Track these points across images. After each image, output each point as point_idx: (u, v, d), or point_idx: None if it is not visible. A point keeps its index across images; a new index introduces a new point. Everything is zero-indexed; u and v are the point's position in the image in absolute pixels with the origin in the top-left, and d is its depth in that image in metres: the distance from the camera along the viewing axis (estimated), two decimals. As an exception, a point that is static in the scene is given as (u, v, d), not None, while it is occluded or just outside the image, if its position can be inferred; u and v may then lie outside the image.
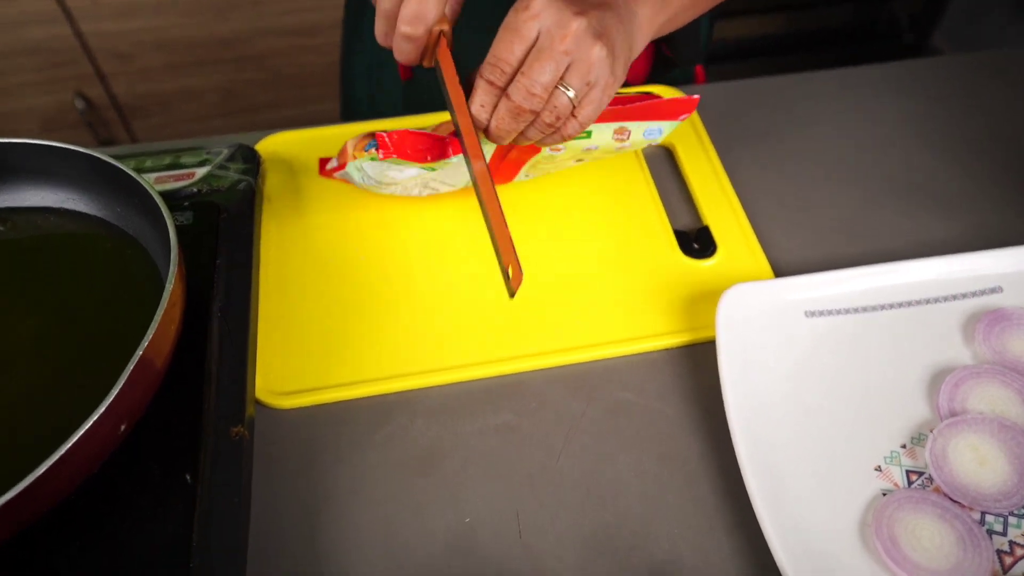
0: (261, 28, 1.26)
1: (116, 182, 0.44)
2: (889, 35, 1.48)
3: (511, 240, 0.38)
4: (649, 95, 0.48)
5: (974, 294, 0.47)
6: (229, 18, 1.24)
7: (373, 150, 0.48)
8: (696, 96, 0.47)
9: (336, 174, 0.53)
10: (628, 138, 0.47)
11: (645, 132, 0.47)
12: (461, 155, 0.46)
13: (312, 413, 0.44)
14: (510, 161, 0.49)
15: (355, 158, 0.49)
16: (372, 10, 0.66)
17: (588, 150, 0.48)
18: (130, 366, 0.36)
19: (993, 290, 0.47)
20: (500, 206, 0.39)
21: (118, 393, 0.35)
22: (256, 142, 0.59)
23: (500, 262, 0.39)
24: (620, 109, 0.45)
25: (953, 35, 1.74)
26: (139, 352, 0.36)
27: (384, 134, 0.45)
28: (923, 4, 1.43)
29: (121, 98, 1.30)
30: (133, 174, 0.43)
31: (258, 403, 0.44)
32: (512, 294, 0.37)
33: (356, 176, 0.51)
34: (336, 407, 0.44)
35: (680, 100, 0.46)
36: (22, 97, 1.26)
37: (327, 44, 1.31)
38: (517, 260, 0.38)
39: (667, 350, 0.47)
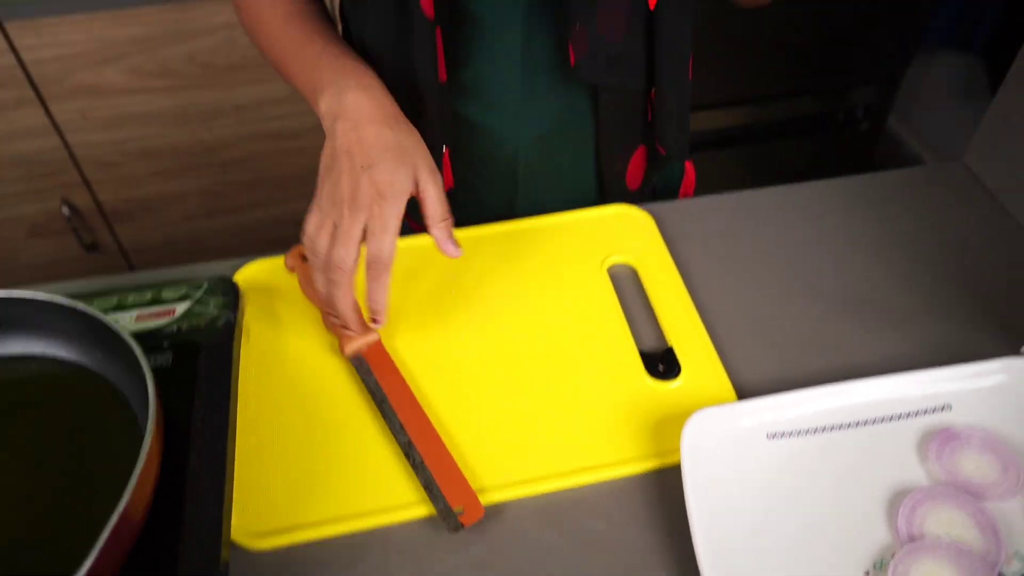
0: (245, 134, 1.31)
1: (95, 330, 0.45)
2: (848, 122, 1.55)
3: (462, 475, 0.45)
4: None
5: (926, 412, 0.49)
6: (214, 126, 1.28)
7: None
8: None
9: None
10: None
11: None
12: None
13: (287, 554, 0.45)
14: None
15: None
16: None
17: None
18: (110, 525, 0.36)
19: (943, 408, 0.49)
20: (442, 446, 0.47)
21: (98, 553, 0.36)
22: (236, 269, 0.61)
23: (443, 503, 0.44)
24: None
25: (905, 119, 1.83)
26: (119, 510, 0.37)
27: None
28: (876, 94, 1.51)
29: (106, 204, 1.33)
30: (112, 324, 0.44)
31: (233, 545, 0.45)
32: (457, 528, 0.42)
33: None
34: (311, 547, 0.45)
35: None
36: (9, 207, 1.28)
37: (310, 147, 1.36)
38: (474, 495, 0.43)
39: (635, 476, 0.48)
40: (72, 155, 1.24)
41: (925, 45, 1.57)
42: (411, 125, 0.53)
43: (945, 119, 1.72)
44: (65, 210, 1.29)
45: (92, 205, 1.32)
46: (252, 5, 0.61)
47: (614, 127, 0.66)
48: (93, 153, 1.25)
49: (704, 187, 0.79)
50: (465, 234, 0.63)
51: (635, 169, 0.71)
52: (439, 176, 0.51)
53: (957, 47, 1.54)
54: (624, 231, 0.64)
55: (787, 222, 0.66)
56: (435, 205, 0.50)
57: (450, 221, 0.52)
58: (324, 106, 0.52)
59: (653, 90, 0.62)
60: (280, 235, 1.45)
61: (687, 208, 0.68)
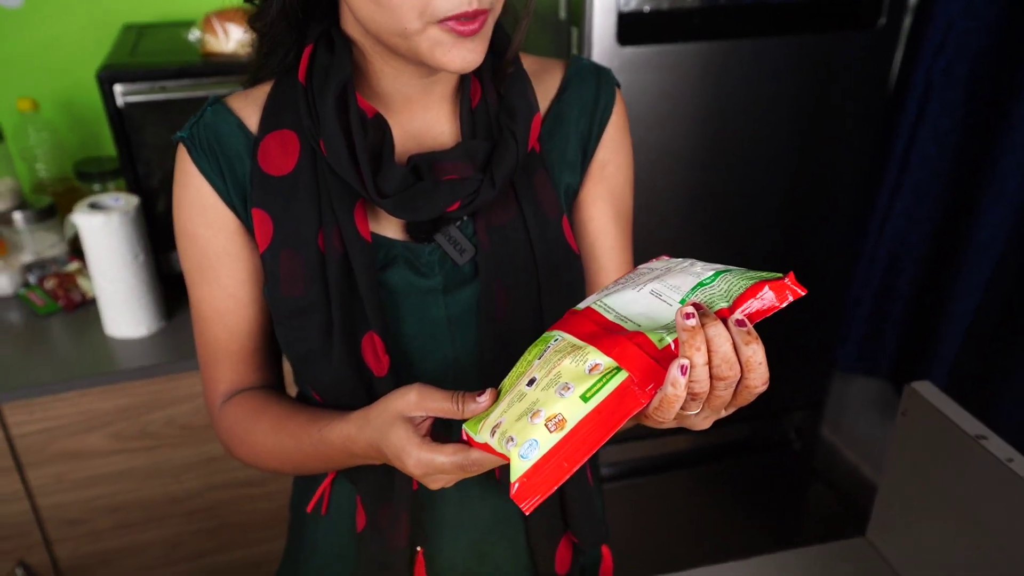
0: (213, 483, 1.36)
1: None
2: (783, 443, 1.67)
3: None
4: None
5: None
6: (183, 479, 1.33)
7: None
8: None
9: None
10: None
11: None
12: None
13: None
14: None
15: None
16: (313, 524, 0.77)
17: None
18: None
19: None
20: None
21: None
22: None
23: None
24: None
25: (836, 432, 1.99)
26: None
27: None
28: (803, 418, 1.66)
29: (63, 561, 1.32)
30: None
31: None
32: None
33: None
34: None
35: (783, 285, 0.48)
36: (-37, 573, 1.27)
37: (276, 491, 1.41)
38: None
39: None
40: (38, 517, 1.26)
41: (841, 371, 1.76)
42: (382, 433, 0.58)
43: (871, 433, 1.88)
44: (20, 572, 1.28)
45: (48, 563, 1.31)
46: (243, 437, 0.71)
47: (541, 523, 0.75)
48: (61, 513, 1.28)
49: (654, 510, 0.85)
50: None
51: (562, 555, 0.78)
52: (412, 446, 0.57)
53: (865, 372, 1.73)
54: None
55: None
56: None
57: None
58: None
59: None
60: (240, 580, 1.44)
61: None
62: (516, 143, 0.64)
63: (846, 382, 1.91)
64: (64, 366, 1.22)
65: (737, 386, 0.48)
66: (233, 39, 1.33)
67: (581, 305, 0.56)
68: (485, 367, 0.69)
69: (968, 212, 1.46)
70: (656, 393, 0.47)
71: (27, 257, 1.42)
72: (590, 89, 0.71)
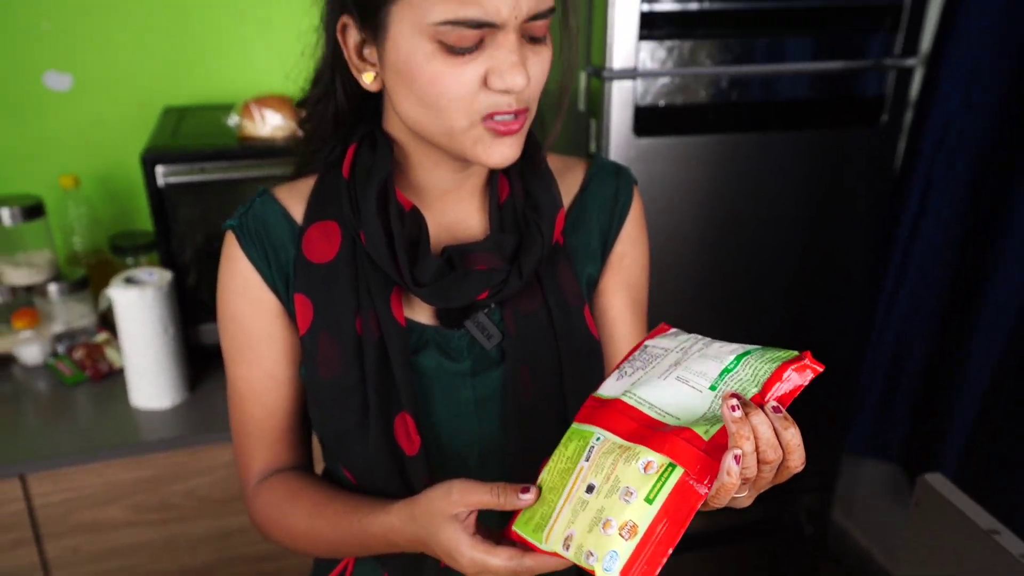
0: (227, 558, 1.36)
1: None
2: (794, 526, 1.67)
3: None
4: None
5: None
6: (199, 552, 1.34)
7: None
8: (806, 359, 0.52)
9: None
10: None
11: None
12: None
13: None
14: None
15: None
16: None
17: None
18: None
19: None
20: None
21: None
22: None
23: None
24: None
25: (848, 517, 1.97)
26: None
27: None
28: (814, 500, 1.66)
29: (75, 635, 1.31)
30: None
31: None
32: None
33: None
34: None
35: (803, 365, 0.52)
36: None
37: (287, 567, 1.40)
38: None
39: None
40: (53, 590, 1.27)
41: (849, 454, 1.77)
42: (430, 532, 0.61)
43: (883, 517, 1.87)
44: (31, 644, 1.27)
45: (59, 637, 1.30)
46: (279, 519, 0.73)
47: None
48: (75, 585, 1.28)
49: None
50: None
51: None
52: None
53: (876, 456, 1.74)
54: None
55: None
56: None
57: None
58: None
59: None
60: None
61: None
62: (542, 237, 0.69)
63: (857, 466, 1.91)
64: (89, 436, 1.25)
65: (779, 468, 0.52)
66: (269, 124, 1.40)
67: (606, 392, 0.59)
68: (509, 445, 0.72)
69: (972, 300, 1.50)
70: (713, 484, 0.50)
71: (58, 327, 1.46)
72: (610, 186, 0.77)
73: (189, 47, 1.59)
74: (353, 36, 0.64)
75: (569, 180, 0.77)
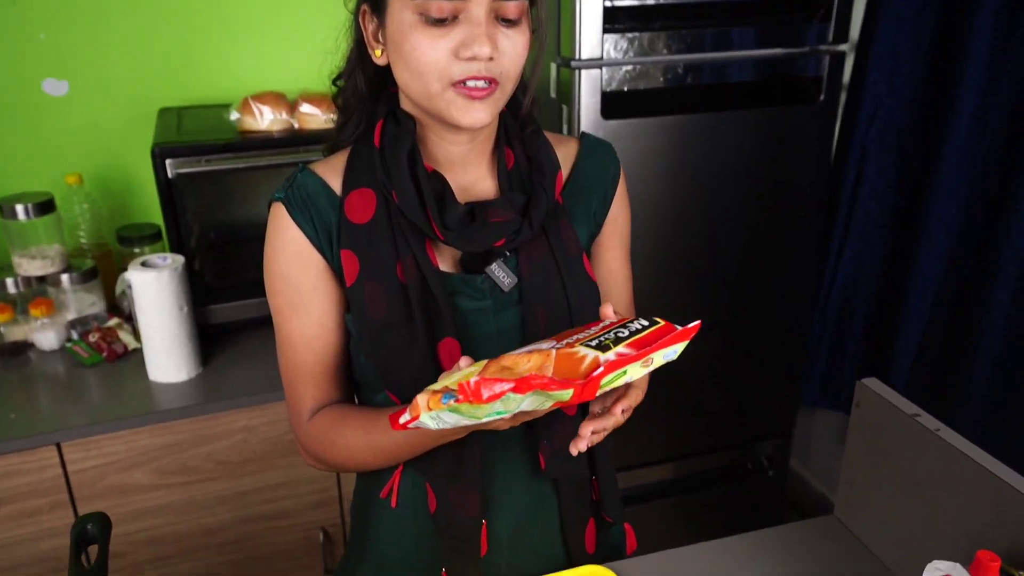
0: (243, 516, 1.47)
1: None
2: (757, 471, 1.84)
3: None
4: (664, 328, 0.67)
5: None
6: (217, 511, 1.45)
7: (451, 401, 0.62)
8: (697, 323, 0.67)
9: (410, 425, 0.67)
10: (652, 364, 0.66)
11: (664, 356, 0.66)
12: (535, 392, 0.61)
13: None
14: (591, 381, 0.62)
15: (431, 409, 0.64)
16: (379, 514, 0.90)
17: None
18: None
19: None
20: None
21: None
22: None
23: None
24: (649, 348, 0.64)
25: (804, 465, 2.15)
26: None
27: (464, 383, 0.60)
28: (774, 448, 1.83)
29: (105, 594, 1.41)
30: None
31: None
32: None
33: (432, 424, 0.65)
34: None
35: (687, 329, 0.67)
36: (13, 605, 1.35)
37: (298, 524, 1.52)
38: None
39: None
40: (86, 550, 1.36)
41: (805, 406, 1.94)
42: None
43: (836, 463, 2.05)
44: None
45: (90, 596, 1.40)
46: (335, 439, 0.85)
47: (572, 507, 0.90)
48: (104, 546, 1.38)
49: (645, 541, 1.01)
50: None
51: (590, 536, 0.93)
52: None
53: (829, 406, 1.92)
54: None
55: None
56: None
57: None
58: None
59: (594, 477, 0.88)
60: (264, 612, 1.53)
61: (640, 565, 0.88)
62: (547, 193, 0.83)
63: (812, 415, 2.09)
64: (113, 408, 1.35)
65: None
66: (266, 118, 1.52)
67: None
68: None
69: (906, 259, 1.69)
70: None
71: (71, 315, 1.56)
72: (602, 160, 0.93)
73: (179, 52, 1.69)
74: (370, 22, 0.79)
75: (563, 152, 0.91)
